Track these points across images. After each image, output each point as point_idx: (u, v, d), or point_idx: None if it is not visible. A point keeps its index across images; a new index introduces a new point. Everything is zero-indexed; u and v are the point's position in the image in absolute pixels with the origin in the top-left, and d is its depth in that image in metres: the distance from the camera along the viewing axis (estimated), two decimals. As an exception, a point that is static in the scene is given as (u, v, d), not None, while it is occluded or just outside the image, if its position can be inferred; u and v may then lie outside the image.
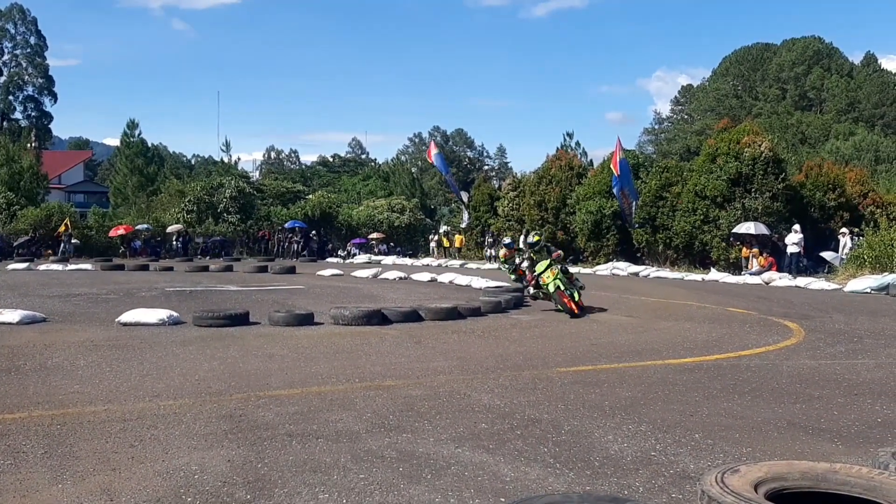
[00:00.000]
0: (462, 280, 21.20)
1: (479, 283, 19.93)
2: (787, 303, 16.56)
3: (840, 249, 25.31)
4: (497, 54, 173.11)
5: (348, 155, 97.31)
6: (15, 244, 35.43)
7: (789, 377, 8.06)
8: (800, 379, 7.98)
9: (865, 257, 22.18)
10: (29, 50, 78.79)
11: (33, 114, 79.18)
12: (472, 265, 33.13)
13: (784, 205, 26.96)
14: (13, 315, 11.39)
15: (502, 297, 14.58)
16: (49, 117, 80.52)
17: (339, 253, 40.02)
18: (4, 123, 74.19)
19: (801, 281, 21.73)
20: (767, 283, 22.16)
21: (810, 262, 25.68)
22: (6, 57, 78.38)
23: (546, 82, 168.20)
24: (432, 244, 42.44)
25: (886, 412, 6.57)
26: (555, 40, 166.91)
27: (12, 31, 78.35)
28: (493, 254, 36.27)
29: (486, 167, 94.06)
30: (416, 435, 5.57)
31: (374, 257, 37.25)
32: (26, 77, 78.68)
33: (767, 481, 3.54)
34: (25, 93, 78.96)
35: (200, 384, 7.30)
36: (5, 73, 77.83)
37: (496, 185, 44.70)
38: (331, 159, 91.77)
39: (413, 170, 70.33)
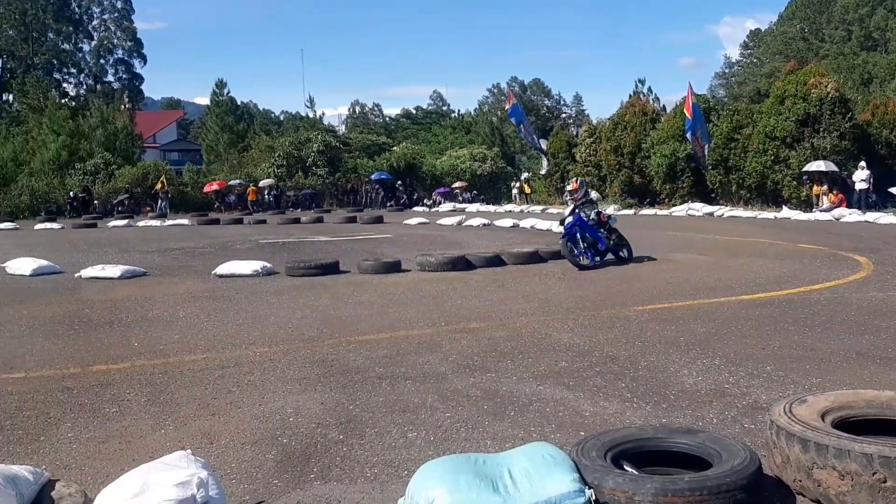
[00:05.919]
0: (543, 225, 21.24)
1: (559, 227, 19.83)
2: (857, 237, 16.35)
3: (907, 185, 25.38)
4: (570, 4, 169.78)
5: (430, 107, 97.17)
6: (114, 202, 36.79)
7: (858, 309, 8.04)
8: (868, 311, 7.95)
9: (932, 190, 22.22)
10: (116, 14, 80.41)
11: (124, 76, 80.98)
12: (553, 210, 33.04)
13: (852, 143, 27.20)
14: (115, 270, 12.00)
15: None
16: (140, 79, 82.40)
17: (424, 202, 40.39)
18: (98, 87, 76.28)
19: (870, 216, 21.90)
20: (837, 220, 22.34)
21: (879, 198, 25.82)
22: (95, 22, 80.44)
23: (618, 30, 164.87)
24: (514, 191, 42.41)
25: (954, 340, 6.53)
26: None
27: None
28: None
29: (563, 115, 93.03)
30: (499, 374, 5.77)
31: (458, 205, 37.49)
32: (115, 41, 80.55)
33: (834, 410, 3.64)
34: (116, 56, 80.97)
35: (294, 331, 7.62)
36: (95, 38, 79.92)
37: (574, 133, 44.33)
38: (414, 111, 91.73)
39: (493, 119, 69.86)
